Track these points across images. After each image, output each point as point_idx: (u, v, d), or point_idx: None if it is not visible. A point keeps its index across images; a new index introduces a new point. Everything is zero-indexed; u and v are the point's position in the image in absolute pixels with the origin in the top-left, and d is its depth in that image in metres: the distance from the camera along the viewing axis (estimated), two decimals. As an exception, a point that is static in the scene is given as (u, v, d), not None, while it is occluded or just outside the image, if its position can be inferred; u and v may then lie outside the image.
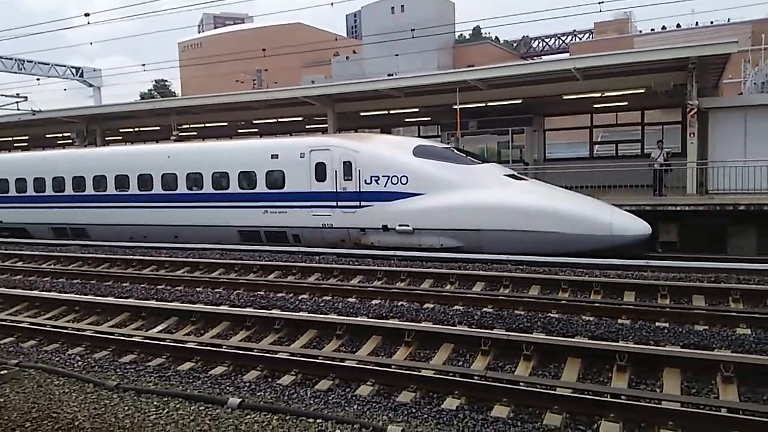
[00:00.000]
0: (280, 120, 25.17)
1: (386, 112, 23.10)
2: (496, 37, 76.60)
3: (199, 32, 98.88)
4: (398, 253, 13.24)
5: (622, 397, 5.54)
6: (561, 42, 71.95)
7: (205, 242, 15.69)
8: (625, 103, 20.82)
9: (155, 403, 5.63)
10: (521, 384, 5.89)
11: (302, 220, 14.87)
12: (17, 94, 31.87)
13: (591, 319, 8.06)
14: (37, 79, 32.40)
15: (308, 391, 6.06)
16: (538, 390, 5.69)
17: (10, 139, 31.55)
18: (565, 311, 8.43)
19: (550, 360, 6.61)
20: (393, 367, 6.49)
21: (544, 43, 74.07)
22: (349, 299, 9.69)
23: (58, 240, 18.18)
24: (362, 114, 23.25)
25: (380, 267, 11.72)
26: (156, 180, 16.80)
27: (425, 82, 19.72)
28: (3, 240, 18.80)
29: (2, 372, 6.35)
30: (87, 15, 20.79)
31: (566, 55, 50.39)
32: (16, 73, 32.32)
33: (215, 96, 23.58)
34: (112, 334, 7.99)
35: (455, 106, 18.67)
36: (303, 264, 12.36)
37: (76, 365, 6.96)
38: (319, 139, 16.14)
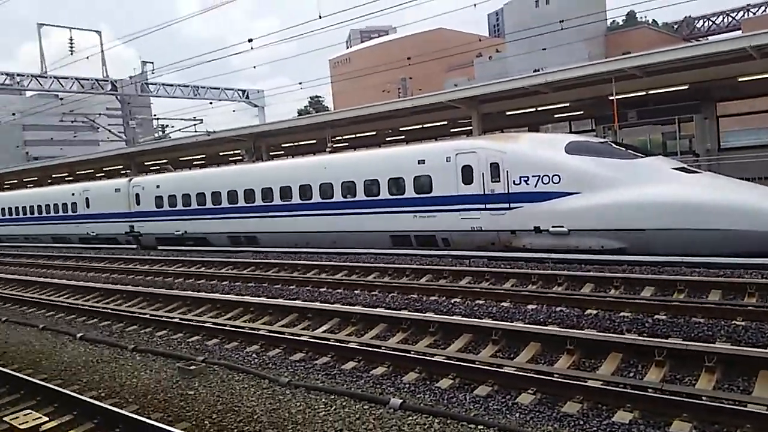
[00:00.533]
0: (425, 125, 25.49)
1: (533, 109, 22.32)
2: (654, 21, 70.62)
3: (347, 48, 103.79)
4: (553, 255, 12.70)
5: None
6: (730, 19, 64.32)
7: (360, 247, 16.38)
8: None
9: (323, 400, 5.97)
10: (704, 399, 5.31)
11: (451, 224, 14.89)
12: (194, 118, 36.01)
13: (787, 327, 7.06)
14: (210, 103, 36.26)
15: (467, 395, 6.02)
16: (724, 406, 5.09)
17: (190, 158, 35.60)
18: (754, 318, 7.47)
19: (737, 373, 5.90)
20: (555, 375, 6.21)
21: (710, 23, 66.75)
22: (503, 303, 9.49)
23: (233, 247, 20.14)
24: (508, 113, 22.71)
25: (534, 270, 11.34)
26: (315, 190, 17.89)
27: (576, 74, 18.68)
28: (188, 248, 21.28)
29: (192, 367, 7.14)
30: (250, 41, 22.83)
31: (738, 33, 44.89)
32: (192, 98, 36.51)
33: (363, 107, 24.53)
34: (283, 333, 8.62)
35: (611, 97, 17.47)
36: (453, 267, 12.38)
37: (252, 362, 7.61)
38: (464, 141, 16.03)
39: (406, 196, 15.74)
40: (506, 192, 13.73)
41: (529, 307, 9.15)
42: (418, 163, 15.46)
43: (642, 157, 13.40)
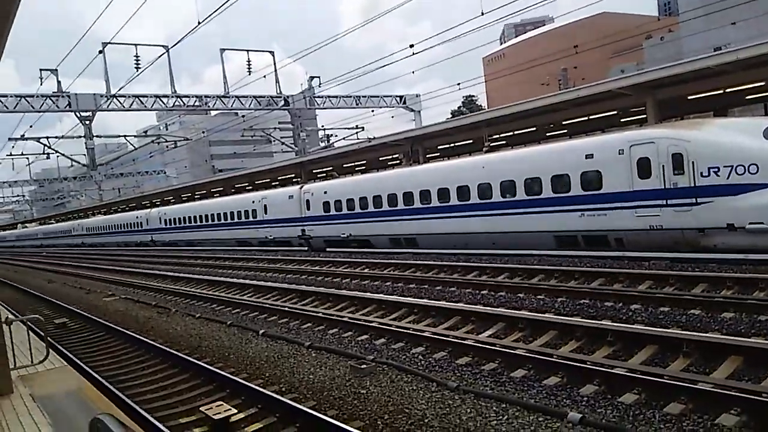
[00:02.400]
0: (590, 117, 23.92)
1: (720, 92, 19.82)
2: None
3: (501, 44, 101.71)
4: (751, 256, 11.09)
5: None
6: None
7: (520, 249, 15.80)
8: None
9: (494, 408, 5.75)
10: None
11: (624, 222, 13.71)
12: (356, 126, 37.73)
13: None
14: (372, 111, 37.69)
15: (656, 413, 5.41)
16: None
17: (353, 164, 37.33)
18: None
19: None
20: (764, 395, 5.34)
21: None
22: (693, 311, 8.47)
23: (394, 249, 20.66)
24: (689, 98, 20.43)
25: (729, 273, 10.01)
26: (473, 190, 17.65)
27: (775, 48, 16.19)
28: (353, 250, 22.27)
29: (363, 366, 7.33)
30: (412, 46, 23.24)
31: None
32: (353, 108, 38.25)
33: (522, 103, 23.70)
34: (448, 336, 8.53)
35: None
36: (630, 270, 11.37)
37: (419, 364, 7.62)
38: (639, 132, 14.66)
39: (571, 194, 14.84)
40: (692, 185, 12.29)
41: (725, 315, 8.08)
42: (586, 158, 14.49)
43: None
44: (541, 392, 6.20)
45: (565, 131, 26.89)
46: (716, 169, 11.89)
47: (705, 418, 5.23)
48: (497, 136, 27.65)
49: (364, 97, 37.29)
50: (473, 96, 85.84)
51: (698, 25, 44.93)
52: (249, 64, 32.14)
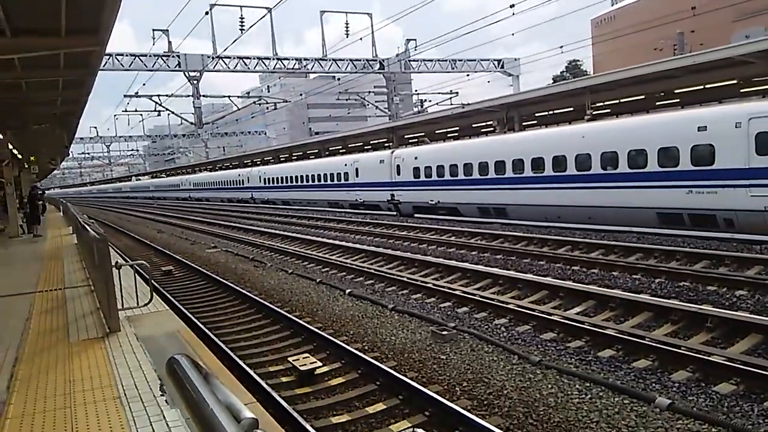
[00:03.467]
0: (706, 87, 22.01)
1: None
2: None
3: (612, 4, 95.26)
4: None
5: None
6: None
7: (619, 224, 15.06)
8: None
9: (577, 386, 5.63)
10: None
11: (737, 202, 12.66)
12: (450, 91, 37.11)
13: None
14: (467, 75, 36.86)
15: (755, 406, 5.07)
16: None
17: (445, 130, 36.89)
18: None
19: None
20: None
21: None
22: (810, 301, 7.75)
23: (483, 218, 20.39)
24: (825, 67, 18.25)
25: None
26: (570, 161, 16.94)
27: None
28: (441, 217, 22.22)
29: (444, 332, 7.39)
30: (512, 6, 22.27)
31: None
32: (449, 72, 37.55)
33: (629, 69, 22.18)
34: (533, 310, 8.38)
35: None
36: (738, 254, 10.55)
37: (501, 335, 7.57)
38: (761, 104, 13.31)
39: (679, 169, 13.86)
40: (818, 165, 11.08)
41: None
42: (698, 131, 13.42)
43: None
44: (629, 374, 5.98)
45: (678, 101, 24.96)
46: None
47: (811, 416, 4.84)
48: (601, 104, 26.20)
49: (460, 60, 36.51)
50: (578, 60, 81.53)
51: None
52: (347, 27, 32.33)
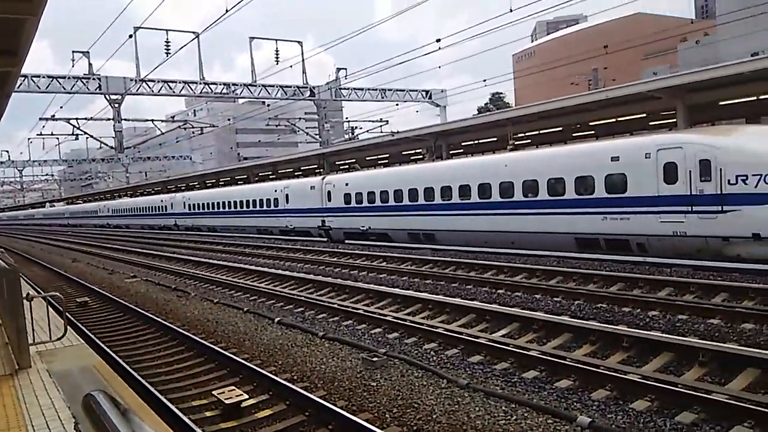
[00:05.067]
0: (619, 119, 23.54)
1: (753, 99, 19.33)
2: None
3: (532, 41, 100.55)
4: (777, 267, 10.84)
5: None
6: None
7: (541, 249, 15.66)
8: None
9: (503, 407, 5.74)
10: None
11: (648, 227, 13.50)
12: (380, 119, 37.70)
13: None
14: (396, 105, 37.61)
15: (667, 421, 5.35)
16: None
17: (376, 157, 37.32)
18: None
19: None
20: (781, 410, 5.23)
21: None
22: (712, 320, 8.34)
23: (412, 244, 20.65)
24: (721, 104, 19.97)
25: (752, 284, 9.81)
26: (494, 188, 17.53)
27: (812, 55, 15.75)
28: (370, 243, 22.31)
29: (374, 359, 7.36)
30: (438, 41, 23.10)
31: None
32: (379, 101, 38.19)
33: (548, 102, 23.40)
34: (461, 334, 8.51)
35: None
36: (651, 276, 11.22)
37: (431, 360, 7.63)
38: (667, 136, 14.40)
39: (595, 196, 14.65)
40: (719, 193, 12.03)
41: (746, 326, 7.94)
42: (611, 160, 14.28)
43: None
44: (552, 394, 6.17)
45: (592, 132, 26.51)
46: (744, 177, 11.63)
47: (717, 429, 5.16)
48: (522, 134, 27.40)
49: (390, 90, 37.25)
50: (501, 93, 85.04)
51: (736, 29, 43.82)
52: (277, 54, 32.30)
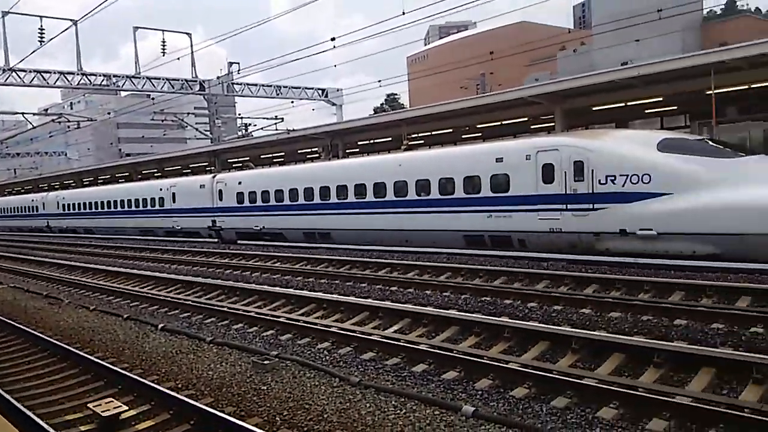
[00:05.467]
0: (504, 123, 24.88)
1: (622, 104, 21.20)
2: (757, 8, 65.47)
3: (425, 44, 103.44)
4: (639, 260, 11.96)
5: None
6: None
7: (433, 246, 16.16)
8: None
9: (393, 402, 5.84)
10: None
11: (528, 224, 14.38)
12: (275, 117, 37.06)
13: None
14: (291, 102, 37.13)
15: (543, 407, 5.71)
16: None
17: (270, 155, 36.65)
18: None
19: None
20: (640, 390, 5.77)
21: (823, 7, 60.99)
22: (584, 310, 9.01)
23: (308, 243, 20.50)
24: (594, 109, 21.72)
25: (618, 276, 10.73)
26: (389, 187, 17.85)
27: (671, 66, 17.51)
28: (265, 243, 21.88)
29: (265, 362, 7.22)
30: (333, 39, 23.05)
31: None
32: (274, 98, 37.50)
33: (440, 105, 24.26)
34: (354, 332, 8.58)
35: (709, 92, 16.25)
36: (530, 270, 11.93)
37: (324, 359, 7.61)
38: (546, 139, 15.44)
39: (481, 195, 15.36)
40: (590, 192, 13.06)
41: (612, 315, 8.65)
42: (496, 162, 15.04)
43: (742, 155, 12.35)
44: (440, 386, 6.37)
45: (480, 134, 27.79)
46: (613, 178, 12.71)
47: (587, 411, 5.56)
48: (416, 135, 28.14)
49: (285, 87, 36.68)
50: (396, 94, 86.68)
51: (609, 39, 47.76)
52: (164, 45, 30.73)
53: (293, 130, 29.87)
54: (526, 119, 24.32)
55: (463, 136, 28.57)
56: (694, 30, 55.38)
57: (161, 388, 6.38)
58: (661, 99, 20.33)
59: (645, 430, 5.05)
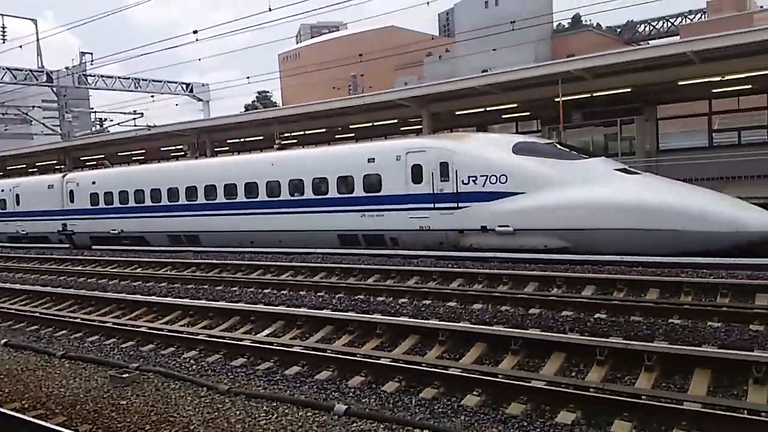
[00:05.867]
0: (375, 124, 25.41)
1: (482, 109, 22.59)
2: (598, 24, 72.83)
3: (297, 43, 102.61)
4: (499, 255, 12.82)
5: (763, 414, 4.92)
6: (669, 24, 67.12)
7: (307, 247, 16.08)
8: (749, 86, 18.90)
9: (265, 407, 5.73)
10: (643, 398, 5.39)
11: (399, 223, 14.83)
12: (134, 111, 34.73)
13: (719, 325, 7.32)
14: (152, 96, 34.98)
15: (413, 399, 5.92)
16: (663, 405, 5.17)
17: (129, 153, 34.26)
18: (690, 317, 7.69)
19: (675, 371, 6.03)
20: (500, 376, 6.19)
21: (651, 27, 69.44)
22: (450, 303, 9.47)
23: (173, 247, 19.43)
24: (457, 113, 22.90)
25: (481, 270, 11.39)
26: (261, 187, 17.46)
27: (524, 75, 19.00)
28: (125, 248, 20.40)
29: (125, 375, 6.75)
30: (195, 32, 22.08)
31: (676, 38, 46.81)
32: (132, 91, 35.09)
33: (313, 104, 24.23)
34: (224, 338, 8.29)
35: (557, 99, 17.84)
36: (401, 267, 12.29)
37: (190, 369, 7.27)
38: (414, 140, 16.03)
39: (354, 195, 15.57)
40: (455, 192, 13.77)
41: (475, 306, 9.16)
42: (368, 162, 15.32)
43: (585, 158, 13.72)
44: (313, 387, 6.36)
45: (353, 135, 28.14)
46: (474, 178, 13.51)
47: (453, 400, 5.82)
48: (288, 134, 27.82)
49: (145, 80, 34.50)
50: (268, 92, 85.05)
51: (471, 48, 50.63)
52: (4, 31, 27.54)
53: (155, 126, 28.13)
54: (396, 121, 25.04)
55: (337, 136, 28.75)
56: (546, 42, 60.48)
57: (3, 410, 5.72)
58: (516, 105, 21.96)
59: (505, 414, 5.40)
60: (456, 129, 23.39)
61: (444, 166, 13.95)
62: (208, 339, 8.22)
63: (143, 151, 33.52)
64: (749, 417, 4.82)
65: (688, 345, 6.64)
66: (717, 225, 11.15)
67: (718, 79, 18.08)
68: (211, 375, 6.97)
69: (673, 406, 5.12)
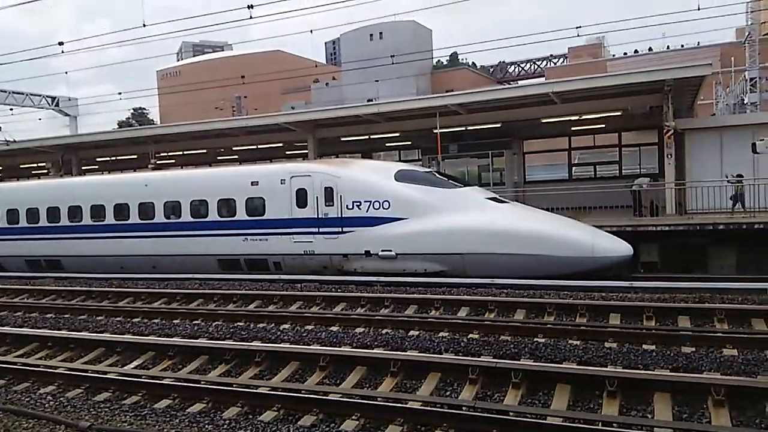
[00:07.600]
0: (260, 146, 25.05)
1: (367, 137, 23.13)
2: (473, 63, 77.74)
3: (178, 60, 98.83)
4: (381, 279, 13.06)
5: (614, 425, 5.42)
6: (536, 67, 73.19)
7: (184, 272, 15.34)
8: (603, 126, 21.11)
9: (128, 445, 5.35)
10: (511, 414, 5.73)
11: (283, 247, 14.65)
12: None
13: (578, 343, 7.97)
14: (11, 109, 31.93)
15: (290, 427, 5.82)
16: (528, 420, 5.53)
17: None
18: (552, 335, 8.32)
19: (539, 387, 6.47)
20: (379, 399, 6.29)
21: (520, 68, 75.26)
22: (332, 328, 9.48)
23: (31, 273, 17.66)
24: (343, 139, 23.25)
25: (363, 294, 11.52)
26: (133, 209, 16.47)
27: (405, 107, 19.80)
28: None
29: (-34, 416, 6.00)
30: (61, 44, 20.51)
31: (542, 80, 51.27)
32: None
33: (194, 123, 23.42)
34: (86, 371, 7.66)
35: (435, 131, 18.74)
36: (284, 292, 12.11)
37: (47, 405, 6.62)
38: (299, 165, 16.01)
39: (237, 219, 15.17)
40: (339, 216, 13.89)
41: (358, 330, 9.23)
42: (251, 185, 15.04)
43: (461, 186, 14.49)
44: (184, 421, 6.04)
45: (236, 157, 27.49)
46: (358, 203, 13.74)
47: (332, 426, 5.81)
48: (165, 154, 26.58)
49: (4, 91, 31.43)
50: (144, 109, 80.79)
51: (356, 77, 51.76)
52: None
53: (14, 141, 25.60)
54: (282, 144, 24.88)
55: (219, 158, 27.93)
56: (426, 76, 63.35)
57: None
58: (398, 134, 22.75)
59: (383, 436, 5.48)
60: (342, 155, 23.71)
61: (329, 191, 14.05)
62: (68, 372, 7.54)
63: (0, 167, 30.40)
64: (604, 428, 5.27)
65: (551, 362, 7.16)
66: (577, 250, 12.22)
67: (576, 118, 20.03)
68: (71, 411, 6.39)
69: (539, 421, 5.48)
